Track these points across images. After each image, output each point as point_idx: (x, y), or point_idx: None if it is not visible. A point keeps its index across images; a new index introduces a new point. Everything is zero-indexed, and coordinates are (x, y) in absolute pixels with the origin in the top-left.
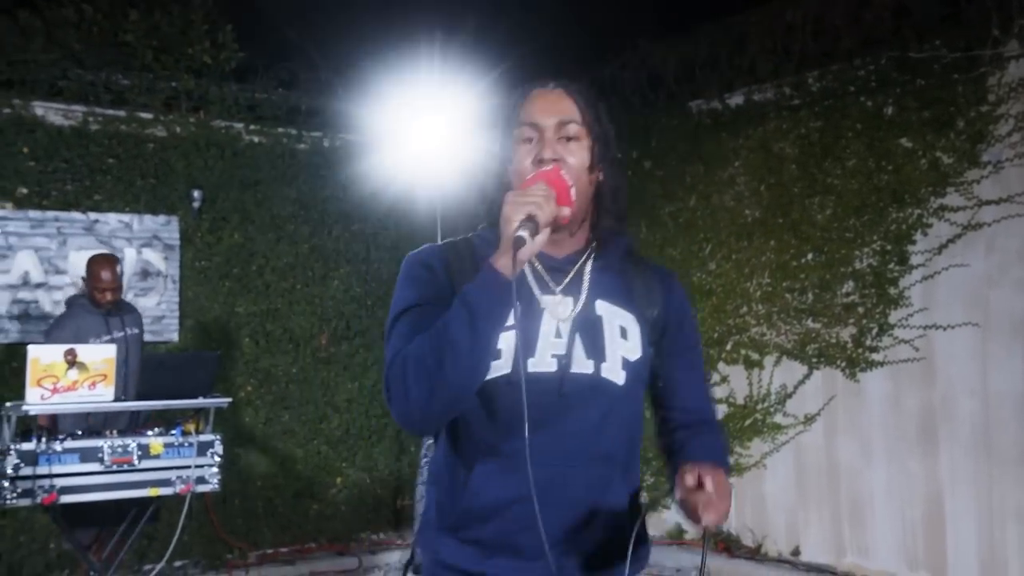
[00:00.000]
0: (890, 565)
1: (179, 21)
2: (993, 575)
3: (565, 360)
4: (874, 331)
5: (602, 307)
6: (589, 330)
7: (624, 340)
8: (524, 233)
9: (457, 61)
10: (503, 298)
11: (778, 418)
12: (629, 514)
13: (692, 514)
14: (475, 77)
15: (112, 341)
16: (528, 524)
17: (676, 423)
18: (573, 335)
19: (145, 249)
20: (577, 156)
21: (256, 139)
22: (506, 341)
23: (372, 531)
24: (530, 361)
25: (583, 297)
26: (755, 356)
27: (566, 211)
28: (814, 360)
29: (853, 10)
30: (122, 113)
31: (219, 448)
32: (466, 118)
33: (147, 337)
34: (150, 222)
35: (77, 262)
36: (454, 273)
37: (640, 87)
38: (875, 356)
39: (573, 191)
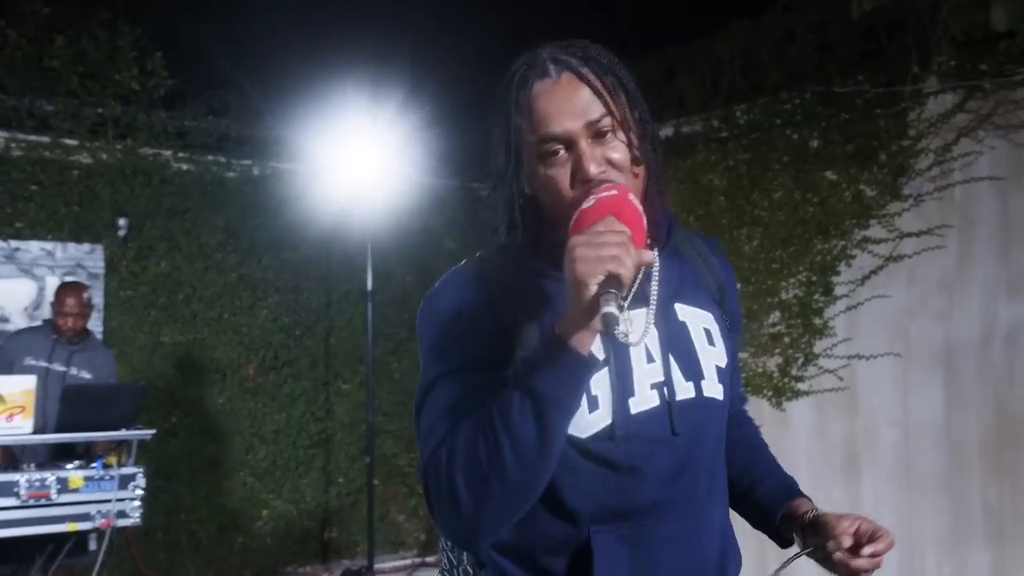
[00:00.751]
0: None
1: (107, 47)
2: None
3: (668, 388)
4: (800, 361)
5: (682, 311)
6: (679, 344)
7: (712, 346)
8: (612, 309)
9: (392, 88)
10: (579, 383)
11: None
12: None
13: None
14: (407, 105)
15: (45, 369)
16: None
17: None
18: (667, 355)
19: (68, 278)
20: (620, 152)
21: (185, 167)
22: (599, 385)
23: (299, 564)
24: (631, 401)
25: (656, 304)
26: None
27: (651, 255)
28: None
29: (779, 46)
30: (46, 139)
31: (141, 481)
32: (396, 147)
33: None
34: (74, 250)
35: None
36: (502, 310)
37: None
38: (800, 385)
39: (644, 217)
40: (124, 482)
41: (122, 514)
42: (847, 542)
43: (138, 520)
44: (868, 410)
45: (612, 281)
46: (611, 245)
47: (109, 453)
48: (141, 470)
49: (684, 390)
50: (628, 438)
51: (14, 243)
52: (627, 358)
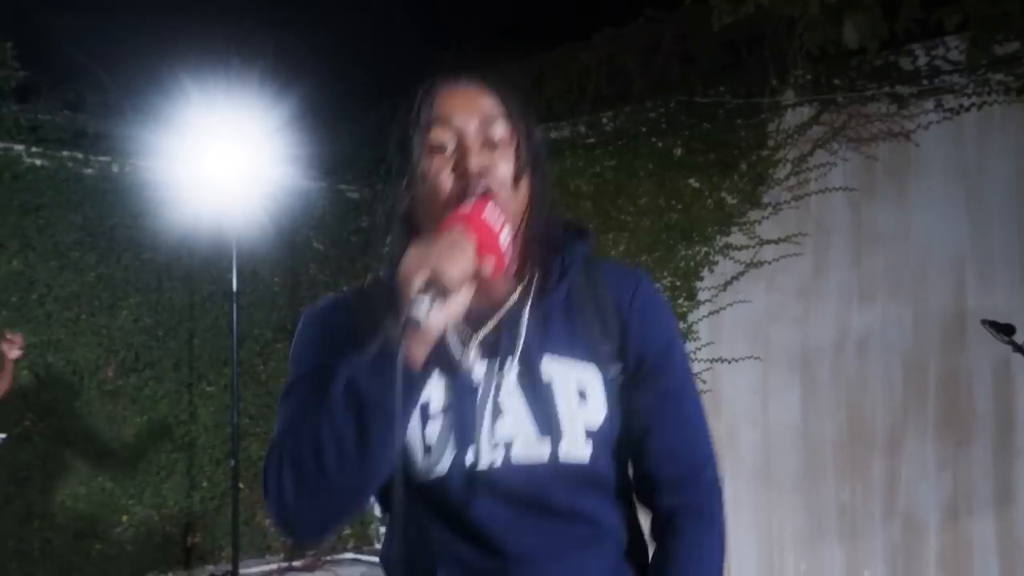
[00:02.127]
0: None
1: None
2: None
3: (513, 448)
4: None
5: (549, 363)
6: (538, 397)
7: (584, 403)
8: (420, 310)
9: (254, 88)
10: (401, 387)
11: None
12: None
13: None
14: (273, 104)
15: None
16: None
17: (657, 506)
18: (518, 406)
19: None
20: (505, 165)
21: (39, 162)
22: (443, 431)
23: (160, 571)
24: (468, 454)
25: (519, 356)
26: None
27: (489, 265)
28: None
29: (644, 55)
30: None
31: None
32: (263, 146)
33: None
34: None
35: None
36: (364, 330)
37: None
38: None
39: (505, 234)
40: None
41: None
42: None
43: None
44: (730, 412)
45: (433, 284)
46: (441, 249)
47: None
48: None
49: (535, 450)
50: (465, 491)
51: None
52: (471, 410)
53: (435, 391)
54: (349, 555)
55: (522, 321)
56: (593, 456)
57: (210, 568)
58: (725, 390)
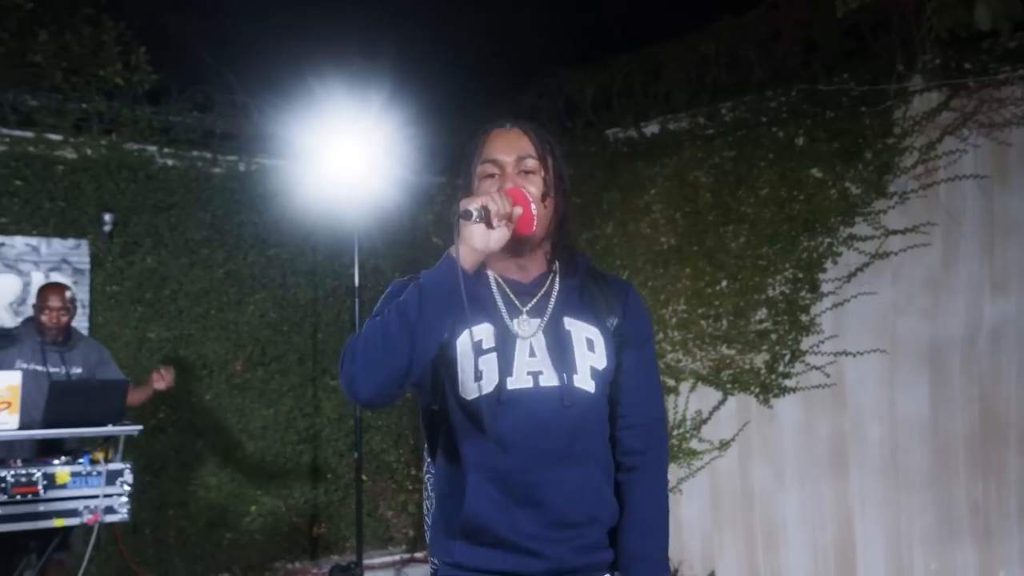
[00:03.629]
0: None
1: (91, 42)
2: None
3: (541, 376)
4: (786, 357)
5: (569, 323)
6: (559, 345)
7: (591, 352)
8: (473, 211)
9: (377, 85)
10: (450, 278)
11: (694, 443)
12: (613, 506)
13: None
14: (393, 102)
15: (36, 372)
16: (521, 525)
17: (622, 447)
18: (545, 352)
19: (53, 273)
20: (535, 186)
21: (170, 162)
22: (487, 364)
23: (287, 560)
24: (508, 380)
25: (550, 315)
26: (671, 382)
27: (519, 209)
28: (728, 386)
29: (765, 43)
30: (30, 134)
31: (129, 477)
32: (383, 143)
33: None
34: (59, 245)
35: None
36: None
37: (557, 115)
38: (787, 382)
39: (533, 206)
40: (111, 478)
41: (110, 510)
42: None
43: (126, 516)
44: (855, 407)
45: (483, 210)
46: (489, 194)
47: (97, 449)
48: (128, 466)
49: (555, 379)
50: (501, 404)
51: None
52: (512, 351)
53: (487, 336)
54: None
55: (552, 293)
56: (596, 388)
57: (335, 558)
58: (850, 384)
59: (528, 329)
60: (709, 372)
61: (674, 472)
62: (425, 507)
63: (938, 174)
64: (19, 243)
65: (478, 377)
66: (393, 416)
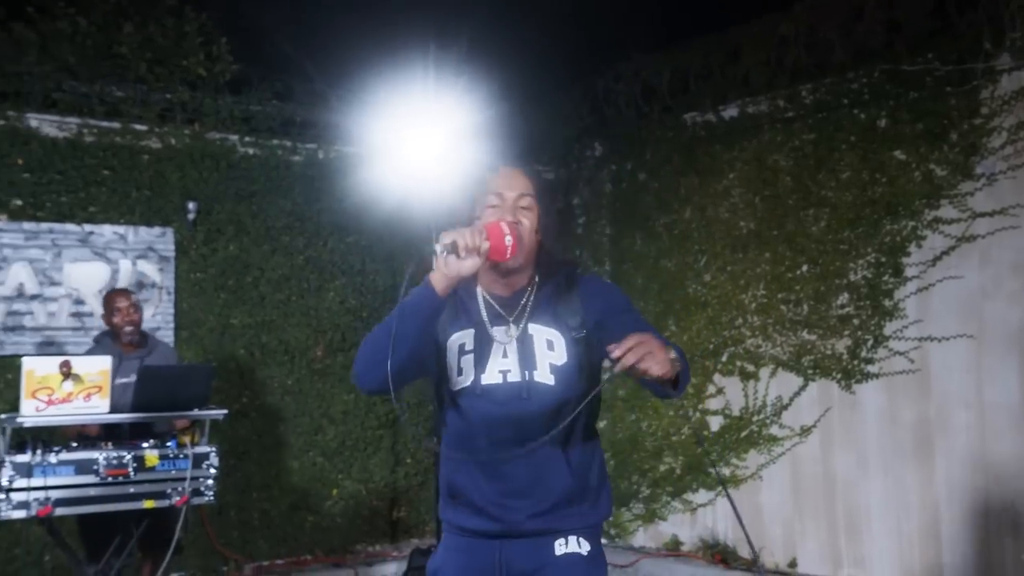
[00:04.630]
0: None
1: (173, 33)
2: None
3: (509, 374)
4: (869, 343)
5: (533, 328)
6: (524, 347)
7: (551, 351)
8: (441, 248)
9: (453, 72)
10: (427, 299)
11: (774, 430)
12: (573, 479)
13: (633, 369)
14: (471, 88)
15: (121, 385)
16: (486, 494)
17: None
18: (515, 353)
19: (140, 261)
20: (529, 220)
21: (251, 151)
22: (466, 363)
23: (368, 543)
24: (482, 376)
25: (522, 324)
26: (750, 368)
27: (486, 244)
28: (809, 372)
29: (846, 23)
30: (117, 125)
31: (215, 460)
32: (462, 128)
33: None
34: (145, 234)
35: (72, 274)
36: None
37: (634, 99)
38: (870, 368)
39: (508, 239)
40: (198, 461)
41: (197, 492)
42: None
43: (212, 498)
44: (941, 393)
45: (452, 245)
46: (462, 231)
47: (184, 433)
48: (214, 449)
49: (518, 375)
50: (478, 396)
51: (88, 227)
52: (488, 352)
53: (468, 340)
54: None
55: (527, 305)
56: (557, 382)
57: (415, 542)
58: (935, 370)
59: (504, 336)
60: (789, 358)
61: (754, 459)
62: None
63: None
64: (107, 231)
65: (460, 372)
66: None
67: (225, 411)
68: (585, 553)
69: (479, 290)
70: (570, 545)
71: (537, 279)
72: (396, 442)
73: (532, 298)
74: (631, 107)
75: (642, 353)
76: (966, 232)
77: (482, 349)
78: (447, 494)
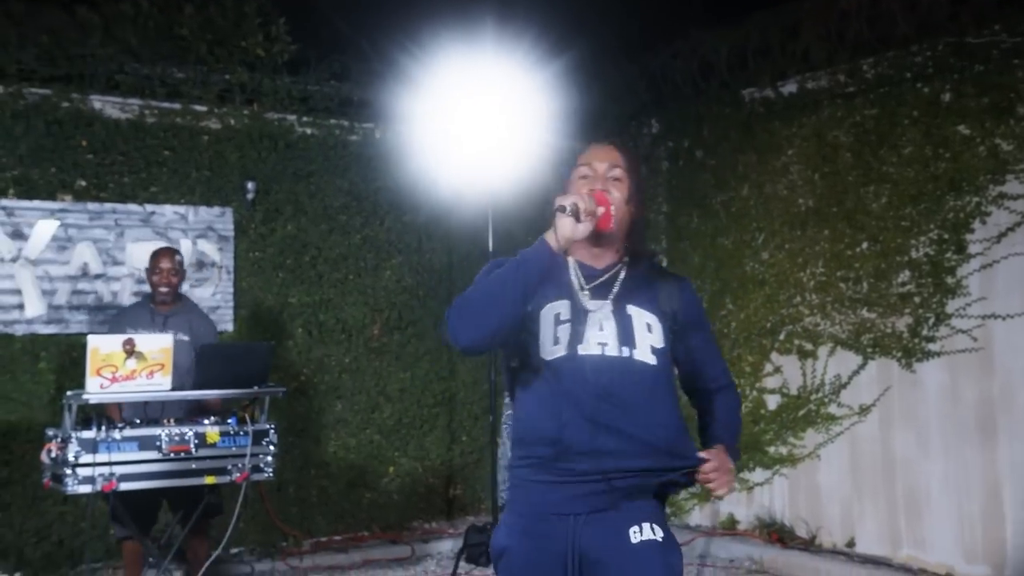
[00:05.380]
0: (947, 558)
1: (232, 14)
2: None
3: (606, 347)
4: (931, 321)
5: (632, 309)
6: (623, 325)
7: (650, 333)
8: (566, 203)
9: (509, 51)
10: (543, 257)
11: (832, 408)
12: (668, 459)
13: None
14: (527, 68)
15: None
16: (591, 456)
17: (705, 383)
18: (613, 328)
19: (200, 240)
20: (620, 192)
21: (308, 131)
22: (563, 332)
23: (424, 520)
24: (579, 347)
25: (615, 298)
26: (809, 346)
27: (601, 209)
28: (869, 350)
29: None
30: (177, 106)
31: (274, 437)
32: (520, 108)
33: None
34: (205, 213)
35: (135, 253)
36: None
37: (692, 76)
38: (932, 346)
39: (613, 208)
40: (257, 438)
41: (256, 468)
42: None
43: (271, 475)
44: (1005, 371)
45: (575, 207)
46: (580, 195)
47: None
48: (273, 426)
49: (618, 351)
50: (574, 367)
51: (149, 207)
52: (584, 323)
53: (563, 309)
54: None
55: (618, 280)
56: (658, 362)
57: (471, 519)
58: (999, 348)
59: (597, 308)
60: (848, 336)
61: (812, 437)
62: (502, 448)
63: None
64: (168, 211)
65: (556, 342)
66: None
67: (284, 389)
68: (660, 539)
69: (571, 260)
70: (645, 532)
71: (627, 257)
72: (452, 420)
73: (624, 275)
74: (688, 84)
75: (725, 480)
76: None
77: (579, 320)
78: (545, 446)
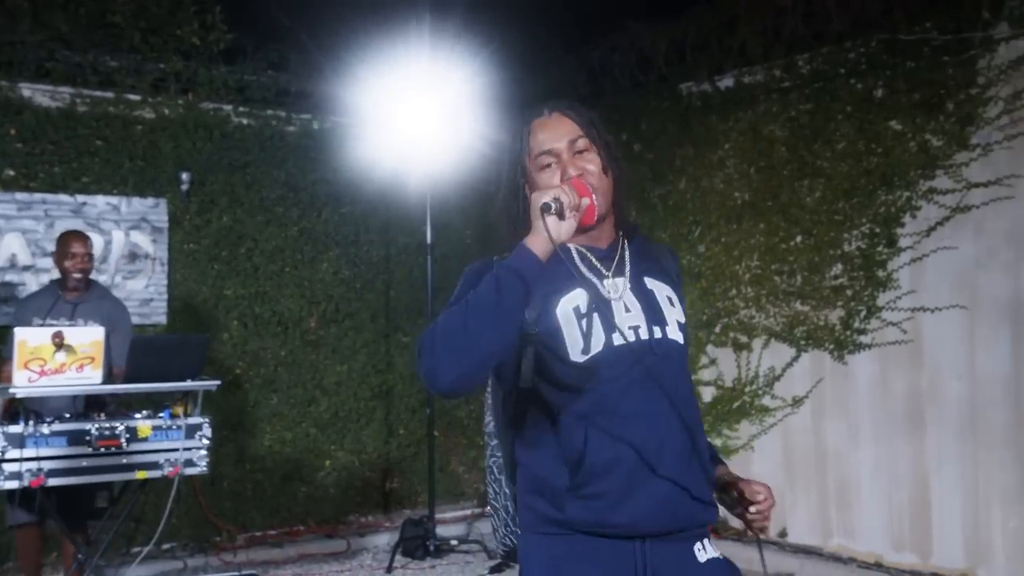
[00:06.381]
0: (876, 547)
1: (167, 2)
2: (978, 557)
3: (640, 330)
4: (862, 313)
5: (650, 282)
6: (648, 303)
7: (673, 307)
8: (551, 203)
9: (446, 42)
10: (531, 268)
11: (766, 400)
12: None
13: (749, 524)
14: (464, 57)
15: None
16: (643, 475)
17: None
18: (638, 308)
19: (133, 231)
20: (594, 164)
21: (245, 121)
22: (591, 326)
23: (361, 513)
24: (614, 336)
25: (630, 276)
26: (743, 339)
27: (586, 201)
28: (802, 342)
29: None
30: (110, 95)
31: (207, 431)
32: (455, 98)
33: (135, 320)
34: (138, 204)
35: None
36: None
37: (630, 69)
38: (863, 338)
39: (595, 195)
40: (191, 432)
41: (189, 463)
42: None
43: (205, 469)
44: (933, 363)
45: (555, 202)
46: (556, 186)
47: (176, 403)
48: (207, 420)
49: (651, 332)
50: (608, 362)
51: (81, 198)
52: (610, 310)
53: (581, 300)
54: None
55: (626, 256)
56: (683, 340)
57: (407, 512)
58: (927, 340)
59: (616, 290)
60: (782, 328)
61: (746, 429)
62: (490, 489)
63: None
64: (100, 202)
65: (586, 338)
66: None
67: (218, 382)
68: (722, 558)
69: (571, 246)
70: (708, 550)
71: (622, 230)
72: (389, 413)
73: (630, 250)
74: (626, 77)
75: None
76: (961, 203)
77: (604, 309)
78: (574, 490)
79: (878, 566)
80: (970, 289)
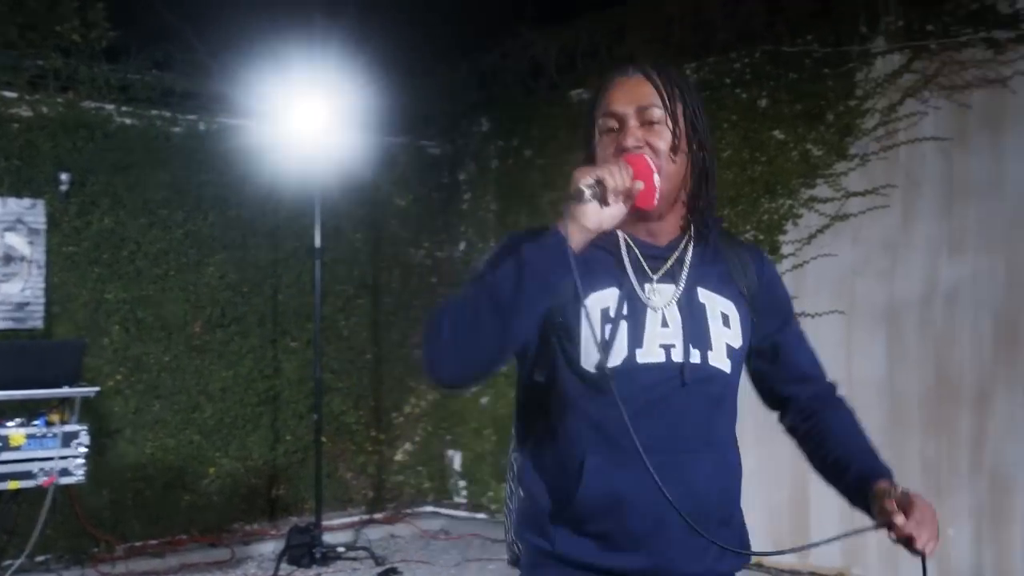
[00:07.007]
0: (757, 546)
1: None
2: (853, 556)
3: (673, 350)
4: None
5: (704, 294)
6: (693, 319)
7: (727, 328)
8: (586, 189)
9: (336, 44)
10: (558, 259)
11: None
12: (737, 498)
13: (909, 544)
14: (355, 62)
15: None
16: (650, 513)
17: (801, 401)
18: (679, 324)
19: (8, 233)
20: (663, 140)
21: (128, 121)
22: (614, 333)
23: (246, 521)
24: (638, 352)
25: (683, 284)
26: None
27: (640, 184)
28: None
29: (729, 4)
30: None
31: (85, 439)
32: (345, 103)
33: (9, 324)
34: (14, 205)
35: None
36: None
37: (522, 76)
38: None
39: (656, 178)
40: (67, 440)
41: (65, 472)
42: (900, 520)
43: (82, 478)
44: None
45: (597, 186)
46: (606, 166)
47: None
48: (85, 428)
49: (690, 355)
50: (628, 379)
51: None
52: (642, 320)
53: (613, 302)
54: (429, 508)
55: (686, 260)
56: (732, 368)
57: (293, 520)
58: None
59: (660, 299)
60: None
61: None
62: (507, 491)
63: (898, 136)
64: None
65: (604, 347)
66: (353, 378)
67: (97, 388)
68: None
69: (620, 234)
70: None
71: (692, 227)
72: (276, 419)
73: (693, 251)
74: (518, 83)
75: (933, 531)
76: (839, 211)
77: (636, 316)
78: (569, 518)
79: (758, 566)
80: (848, 295)
